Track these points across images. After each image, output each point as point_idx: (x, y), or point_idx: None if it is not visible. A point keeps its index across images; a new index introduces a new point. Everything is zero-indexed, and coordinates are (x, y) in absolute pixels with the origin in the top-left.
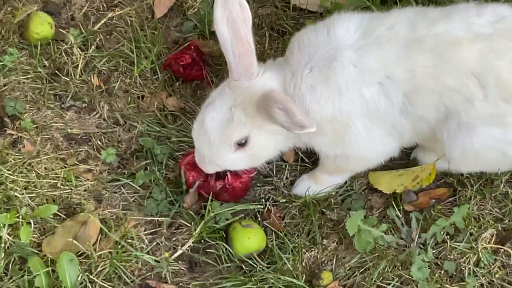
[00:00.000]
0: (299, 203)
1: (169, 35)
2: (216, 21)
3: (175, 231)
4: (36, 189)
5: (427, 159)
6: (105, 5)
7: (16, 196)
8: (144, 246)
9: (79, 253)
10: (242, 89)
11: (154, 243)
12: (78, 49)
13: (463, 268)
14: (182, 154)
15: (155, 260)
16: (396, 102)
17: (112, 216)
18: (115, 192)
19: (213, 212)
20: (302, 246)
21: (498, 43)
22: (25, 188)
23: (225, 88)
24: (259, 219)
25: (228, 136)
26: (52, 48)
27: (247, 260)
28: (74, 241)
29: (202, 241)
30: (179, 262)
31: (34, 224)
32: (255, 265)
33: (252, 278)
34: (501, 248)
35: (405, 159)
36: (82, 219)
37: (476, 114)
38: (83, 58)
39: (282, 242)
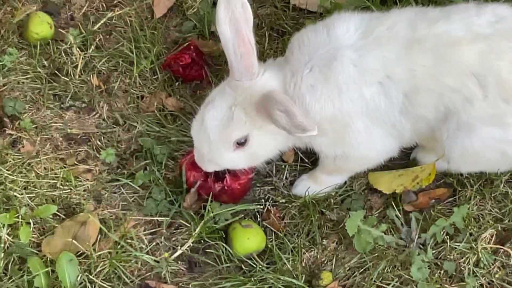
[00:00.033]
0: (298, 203)
1: (168, 35)
2: (218, 21)
3: (174, 231)
4: (36, 189)
5: (426, 159)
6: (104, 5)
7: (15, 196)
8: (143, 246)
9: (79, 253)
10: (243, 89)
11: (154, 243)
12: (78, 49)
13: (462, 268)
14: (181, 154)
15: (155, 260)
16: (396, 102)
17: (111, 216)
18: (115, 192)
19: (212, 212)
20: (302, 246)
21: (498, 43)
22: (24, 188)
23: (226, 87)
24: (258, 219)
25: (228, 135)
26: (52, 48)
27: (247, 260)
28: (74, 241)
29: (202, 241)
30: (179, 262)
31: (34, 224)
32: (254, 265)
33: (252, 278)
34: (501, 248)
35: (404, 159)
36: (82, 219)
37: (475, 114)
38: (82, 58)
39: (281, 242)
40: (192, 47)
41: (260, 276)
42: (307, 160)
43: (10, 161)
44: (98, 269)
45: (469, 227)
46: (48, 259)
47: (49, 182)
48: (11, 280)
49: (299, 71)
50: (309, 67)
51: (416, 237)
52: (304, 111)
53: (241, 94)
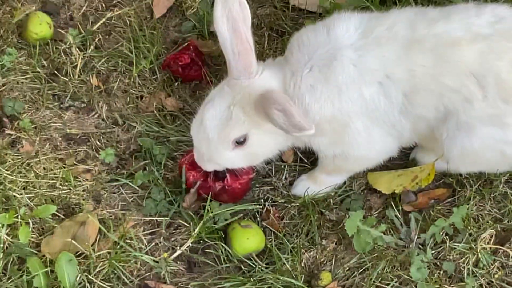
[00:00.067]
0: (298, 204)
1: (168, 35)
2: (216, 19)
3: (174, 231)
4: (35, 189)
5: (426, 159)
6: (104, 5)
7: (14, 196)
8: (143, 246)
9: (78, 253)
10: (241, 88)
11: (153, 243)
12: (77, 49)
13: (462, 269)
14: (181, 154)
15: (154, 260)
16: (395, 102)
17: (111, 216)
18: (114, 192)
19: (212, 212)
20: (301, 246)
21: (497, 43)
22: (23, 188)
23: (224, 86)
24: (258, 219)
25: (227, 134)
26: (51, 48)
27: (246, 260)
28: (73, 241)
29: (201, 241)
30: (178, 262)
31: (33, 224)
32: (254, 266)
33: (251, 279)
34: (500, 249)
35: (404, 159)
36: (81, 219)
37: (475, 114)
38: (82, 58)
39: (281, 243)
40: (191, 47)
41: (259, 276)
42: (307, 160)
43: (9, 161)
44: (98, 269)
45: (469, 228)
46: (48, 259)
47: (49, 182)
48: (10, 280)
49: (299, 70)
50: (308, 67)
51: (416, 237)
52: (303, 111)
53: (239, 93)
